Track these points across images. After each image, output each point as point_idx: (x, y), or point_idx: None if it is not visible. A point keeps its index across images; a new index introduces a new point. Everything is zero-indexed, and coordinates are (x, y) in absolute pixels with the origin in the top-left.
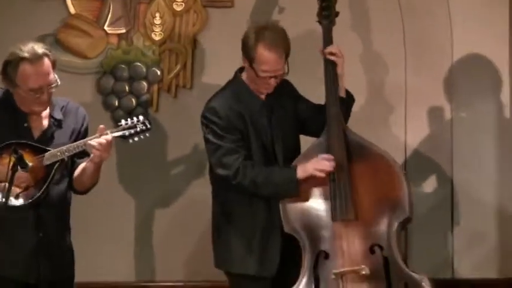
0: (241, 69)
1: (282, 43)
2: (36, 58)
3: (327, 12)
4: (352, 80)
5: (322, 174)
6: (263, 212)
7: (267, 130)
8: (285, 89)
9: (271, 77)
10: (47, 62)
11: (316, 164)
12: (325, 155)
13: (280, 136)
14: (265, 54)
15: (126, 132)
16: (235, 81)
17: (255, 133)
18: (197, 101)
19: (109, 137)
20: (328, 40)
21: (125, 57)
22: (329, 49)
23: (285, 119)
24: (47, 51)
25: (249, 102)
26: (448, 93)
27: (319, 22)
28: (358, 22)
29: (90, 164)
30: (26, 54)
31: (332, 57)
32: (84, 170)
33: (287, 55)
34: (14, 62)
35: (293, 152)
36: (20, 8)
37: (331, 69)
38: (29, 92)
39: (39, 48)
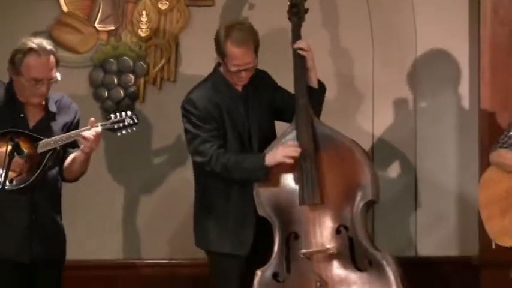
0: (220, 63)
1: (250, 39)
2: (44, 52)
3: (296, 9)
4: (322, 73)
5: (290, 160)
6: (238, 197)
7: (243, 120)
8: (262, 81)
9: (241, 70)
10: (52, 58)
11: (283, 151)
12: (291, 142)
13: (256, 125)
14: (234, 50)
15: (115, 126)
16: (215, 74)
17: (231, 123)
18: (180, 92)
19: (98, 129)
20: (296, 36)
21: (114, 52)
22: (297, 44)
23: (260, 108)
24: (54, 50)
25: (226, 93)
26: (412, 86)
27: (289, 19)
28: (328, 18)
29: (80, 153)
30: (35, 46)
31: (301, 52)
32: (74, 159)
33: (256, 49)
34: (23, 51)
35: (268, 141)
36: (15, 6)
37: (299, 63)
38: (30, 81)
39: (48, 45)
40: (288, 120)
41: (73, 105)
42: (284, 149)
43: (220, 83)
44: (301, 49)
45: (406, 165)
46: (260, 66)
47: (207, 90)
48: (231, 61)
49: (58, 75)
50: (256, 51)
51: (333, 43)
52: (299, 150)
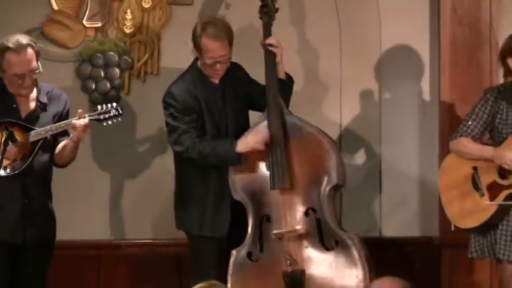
0: (197, 58)
1: (224, 33)
2: (20, 48)
3: (266, 9)
4: (293, 68)
5: (261, 147)
6: (214, 182)
7: (220, 110)
8: (236, 74)
9: (216, 63)
10: (30, 51)
11: (254, 138)
12: (261, 129)
13: (232, 115)
14: (209, 44)
15: (101, 117)
16: (192, 68)
17: (209, 113)
18: (163, 85)
19: (86, 120)
20: (267, 33)
21: (101, 48)
22: (268, 40)
23: (236, 100)
24: (32, 43)
25: (204, 86)
26: (377, 79)
27: (260, 18)
28: (297, 16)
29: (69, 142)
30: (10, 45)
31: (271, 48)
32: (64, 147)
33: (230, 43)
34: (1, 51)
35: (243, 129)
36: (9, 5)
37: (270, 58)
38: (13, 77)
39: (24, 40)
40: (260, 109)
41: (63, 96)
42: (254, 136)
43: (198, 76)
44: (272, 45)
45: (371, 152)
46: (234, 60)
47: (186, 83)
48: (206, 54)
49: (39, 66)
50: (230, 45)
51: (302, 40)
52: (268, 136)
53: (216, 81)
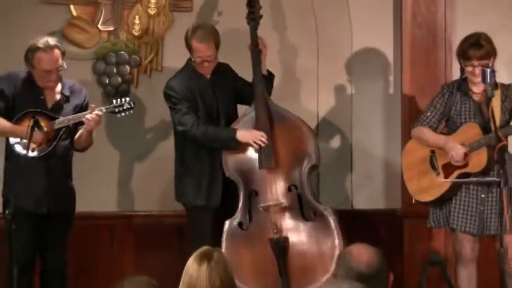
0: (190, 58)
1: (211, 37)
2: (49, 48)
3: (253, 15)
4: (277, 67)
5: (256, 146)
6: (209, 161)
7: (212, 100)
8: (225, 71)
9: (203, 61)
10: (56, 51)
11: (254, 137)
12: (260, 133)
13: (222, 105)
14: (197, 45)
15: (116, 109)
16: (187, 66)
17: (202, 102)
18: (165, 80)
19: (99, 112)
20: (254, 36)
21: (113, 48)
22: (260, 38)
23: (224, 91)
24: (58, 44)
25: (198, 80)
26: (349, 75)
27: (248, 23)
28: (280, 22)
29: (84, 131)
30: (40, 45)
31: (260, 47)
32: (81, 134)
33: (217, 46)
34: (32, 50)
35: (232, 116)
36: (35, 12)
37: (256, 58)
38: (42, 72)
39: (52, 41)
40: (245, 103)
41: (83, 91)
42: (255, 135)
43: (193, 72)
44: (260, 44)
45: (344, 137)
46: (225, 59)
47: (182, 77)
48: (195, 54)
49: (64, 64)
50: (216, 47)
51: (284, 42)
52: (265, 140)
53: (208, 76)
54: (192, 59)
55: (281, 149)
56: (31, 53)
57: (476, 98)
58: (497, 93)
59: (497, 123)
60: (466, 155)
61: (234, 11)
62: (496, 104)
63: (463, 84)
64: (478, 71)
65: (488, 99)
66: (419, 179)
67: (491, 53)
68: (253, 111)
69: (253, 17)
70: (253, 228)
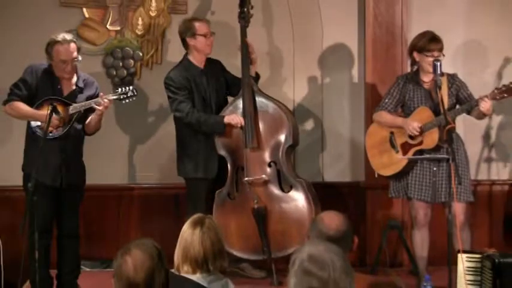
0: (186, 53)
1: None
2: (66, 41)
3: (243, 15)
4: (263, 58)
5: (238, 125)
6: (204, 141)
7: (205, 88)
8: (216, 65)
9: (209, 35)
10: (72, 45)
11: (235, 120)
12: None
13: (214, 92)
14: (199, 24)
15: (121, 97)
16: (184, 59)
17: (197, 90)
18: (165, 72)
19: (109, 98)
20: (244, 34)
21: (120, 45)
22: (251, 49)
23: (216, 81)
24: (74, 39)
25: (193, 71)
26: (320, 68)
27: (239, 22)
28: (266, 21)
29: (94, 116)
30: (59, 39)
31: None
32: (91, 120)
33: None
34: (52, 43)
35: (223, 102)
36: (53, 13)
37: (245, 53)
38: (59, 63)
39: (69, 36)
40: (232, 94)
41: (95, 83)
42: (236, 118)
43: (188, 64)
44: (252, 50)
45: (316, 120)
46: (216, 55)
47: (179, 69)
48: (200, 32)
49: (79, 57)
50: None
51: (269, 38)
52: (243, 122)
53: (201, 66)
54: (200, 40)
55: (263, 131)
56: (50, 46)
57: (426, 86)
58: (444, 81)
59: (446, 106)
60: (420, 133)
61: (226, 10)
62: (444, 90)
63: (415, 75)
64: (439, 60)
65: (437, 87)
66: (381, 156)
67: (443, 47)
68: (241, 97)
69: (244, 16)
70: (239, 198)
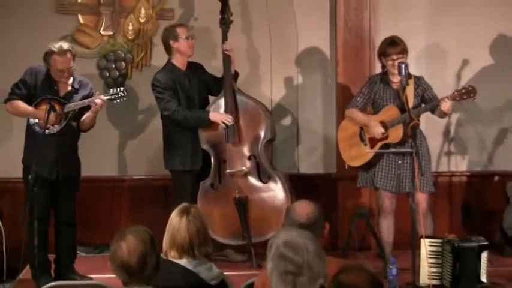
0: (170, 58)
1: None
2: (62, 52)
3: (224, 21)
4: (243, 61)
5: (223, 125)
6: (190, 136)
7: (189, 88)
8: (197, 68)
9: (190, 38)
10: (69, 55)
11: (222, 118)
12: (227, 115)
13: (197, 92)
14: (180, 29)
15: (112, 97)
16: (168, 63)
17: (182, 90)
18: (153, 74)
19: (102, 98)
20: (224, 39)
21: (112, 48)
22: (225, 46)
23: (198, 81)
24: (70, 48)
25: (177, 73)
26: (296, 69)
27: (220, 27)
28: (246, 27)
29: (90, 113)
30: (55, 49)
31: (227, 52)
32: (87, 117)
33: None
34: (49, 53)
35: (204, 101)
36: (51, 20)
37: (226, 57)
38: (56, 71)
39: (65, 46)
40: (212, 94)
41: (90, 84)
42: (223, 116)
43: (172, 67)
44: (227, 50)
45: (292, 117)
46: (199, 58)
47: (165, 72)
48: (183, 35)
49: (74, 65)
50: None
51: (248, 42)
52: (231, 120)
53: (184, 69)
54: (182, 45)
55: (243, 128)
56: (48, 55)
57: (394, 86)
58: (411, 83)
59: (411, 105)
60: (386, 129)
61: (208, 17)
62: (410, 91)
63: (384, 76)
64: (396, 64)
65: (403, 87)
66: (351, 149)
67: (405, 50)
68: (223, 97)
69: (225, 22)
70: (221, 189)
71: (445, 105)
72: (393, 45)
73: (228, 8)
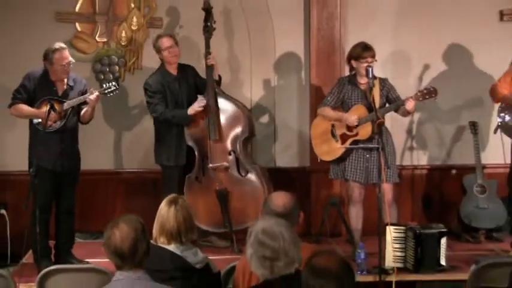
0: (163, 62)
1: (173, 36)
2: (62, 49)
3: (207, 28)
4: (224, 65)
5: (201, 108)
6: (176, 134)
7: (178, 93)
8: (188, 71)
9: (170, 47)
10: (67, 51)
11: (197, 104)
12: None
13: (185, 95)
14: (162, 41)
15: (106, 91)
16: (160, 68)
17: (170, 94)
18: (144, 76)
19: (97, 93)
20: (207, 46)
21: (107, 53)
22: (209, 61)
23: (187, 85)
24: (66, 47)
25: (167, 78)
26: (273, 72)
27: (203, 34)
28: (228, 33)
29: (88, 108)
30: (57, 47)
31: (210, 62)
32: (85, 111)
33: (176, 44)
34: (52, 50)
35: (192, 103)
36: (51, 27)
37: (209, 66)
38: (60, 66)
39: (62, 44)
40: (202, 93)
41: (83, 80)
42: (196, 104)
43: (164, 72)
44: (211, 62)
45: (270, 116)
46: (186, 61)
47: (157, 76)
48: (164, 46)
49: (72, 59)
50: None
51: (230, 47)
52: (204, 102)
53: (175, 74)
54: (163, 54)
55: (224, 126)
56: (51, 53)
57: (362, 87)
58: (377, 84)
59: (377, 105)
60: (356, 126)
61: (192, 24)
62: (376, 91)
63: (352, 78)
64: (371, 66)
65: (370, 89)
66: (323, 145)
67: (375, 54)
68: (206, 96)
69: (208, 29)
70: (205, 182)
71: (409, 105)
72: (367, 50)
73: (212, 17)
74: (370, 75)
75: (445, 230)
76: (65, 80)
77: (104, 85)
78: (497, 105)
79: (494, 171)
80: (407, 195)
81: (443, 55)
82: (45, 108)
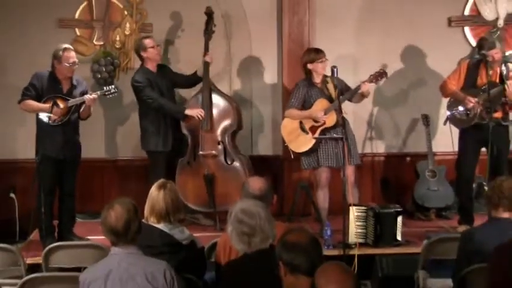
0: (142, 64)
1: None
2: (70, 49)
3: (207, 31)
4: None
5: (197, 116)
6: (164, 123)
7: (159, 86)
8: (165, 69)
9: (158, 47)
10: (73, 51)
11: (197, 113)
12: (200, 110)
13: (165, 88)
14: (147, 41)
15: (106, 93)
16: (141, 67)
17: (157, 87)
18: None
19: (95, 95)
20: (206, 47)
21: (103, 55)
22: (206, 58)
23: (166, 82)
24: (73, 48)
25: (149, 74)
26: (251, 71)
27: (203, 36)
28: (222, 37)
29: (86, 106)
30: (66, 47)
31: (207, 60)
32: (84, 109)
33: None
34: (61, 50)
35: (172, 96)
36: (52, 33)
37: (206, 64)
38: (68, 64)
39: (68, 45)
40: (179, 86)
41: (84, 82)
42: (197, 111)
43: (145, 69)
44: (209, 59)
45: (247, 111)
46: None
47: (141, 73)
48: (148, 44)
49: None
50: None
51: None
52: (203, 115)
53: (155, 71)
54: (149, 51)
55: (216, 118)
56: (60, 51)
57: (318, 85)
58: (330, 80)
59: (334, 96)
60: (323, 115)
61: (193, 27)
62: (331, 86)
63: (309, 80)
64: (320, 65)
65: (326, 83)
66: (296, 139)
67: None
68: (200, 93)
69: (208, 32)
70: (195, 166)
71: (365, 87)
72: (319, 51)
73: (212, 21)
74: (335, 75)
75: (400, 209)
76: (71, 80)
77: (105, 88)
78: (446, 100)
79: (443, 158)
80: (367, 179)
81: (400, 56)
82: (50, 104)
